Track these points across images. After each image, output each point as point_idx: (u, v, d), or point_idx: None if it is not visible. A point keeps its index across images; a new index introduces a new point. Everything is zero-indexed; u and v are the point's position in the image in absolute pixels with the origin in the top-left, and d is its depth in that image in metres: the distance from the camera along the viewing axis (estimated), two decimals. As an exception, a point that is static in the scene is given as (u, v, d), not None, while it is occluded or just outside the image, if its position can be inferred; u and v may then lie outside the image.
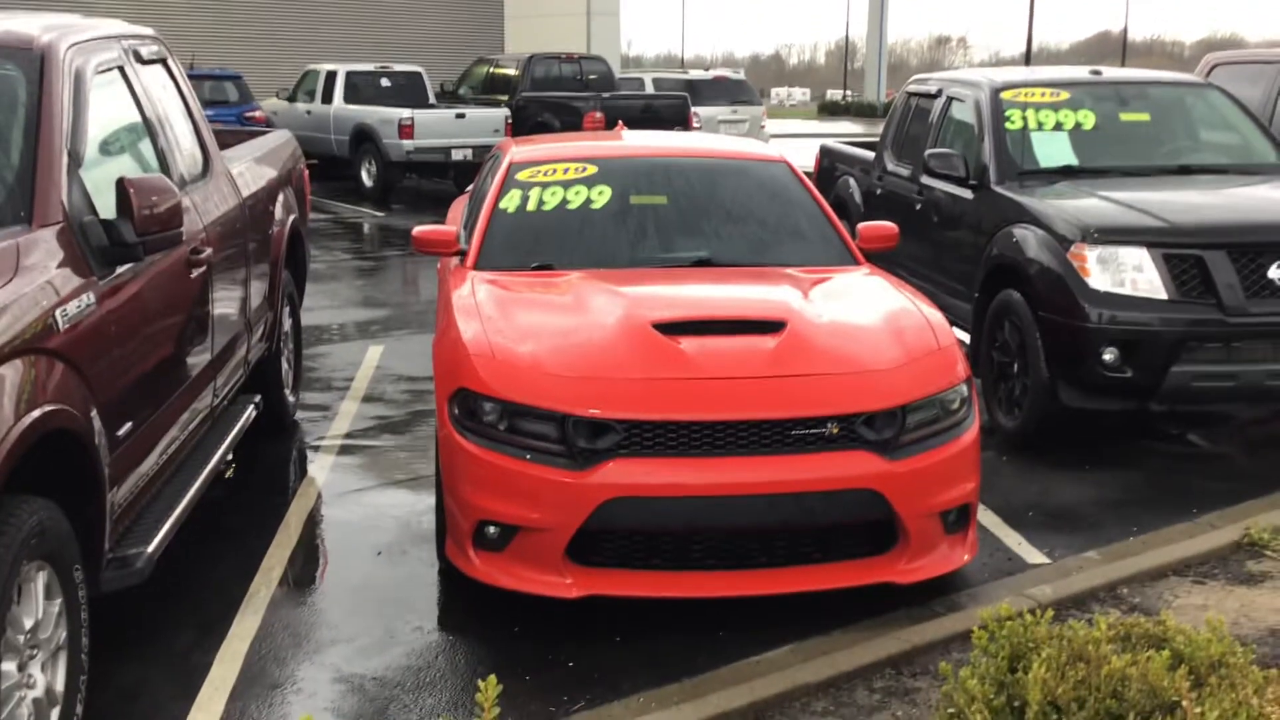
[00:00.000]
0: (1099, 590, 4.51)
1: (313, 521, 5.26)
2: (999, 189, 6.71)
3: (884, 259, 5.98)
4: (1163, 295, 5.65)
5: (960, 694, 2.87)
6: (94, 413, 3.37)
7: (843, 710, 3.68)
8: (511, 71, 20.01)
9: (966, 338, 6.60)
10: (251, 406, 5.48)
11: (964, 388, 4.43)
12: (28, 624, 3.03)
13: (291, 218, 6.49)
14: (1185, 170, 6.92)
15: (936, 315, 4.77)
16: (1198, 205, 6.16)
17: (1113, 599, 4.48)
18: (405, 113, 17.37)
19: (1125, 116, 7.21)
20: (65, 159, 3.69)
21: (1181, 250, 5.69)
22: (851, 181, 9.16)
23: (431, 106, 18.93)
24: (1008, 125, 6.99)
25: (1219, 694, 2.68)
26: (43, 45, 3.93)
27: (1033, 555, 4.88)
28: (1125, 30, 64.62)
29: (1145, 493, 5.66)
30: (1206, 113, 7.48)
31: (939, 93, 7.97)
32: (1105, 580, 4.57)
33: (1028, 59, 41.00)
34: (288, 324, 6.52)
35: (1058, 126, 7.00)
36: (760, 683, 3.75)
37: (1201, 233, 5.75)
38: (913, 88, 8.68)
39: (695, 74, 25.71)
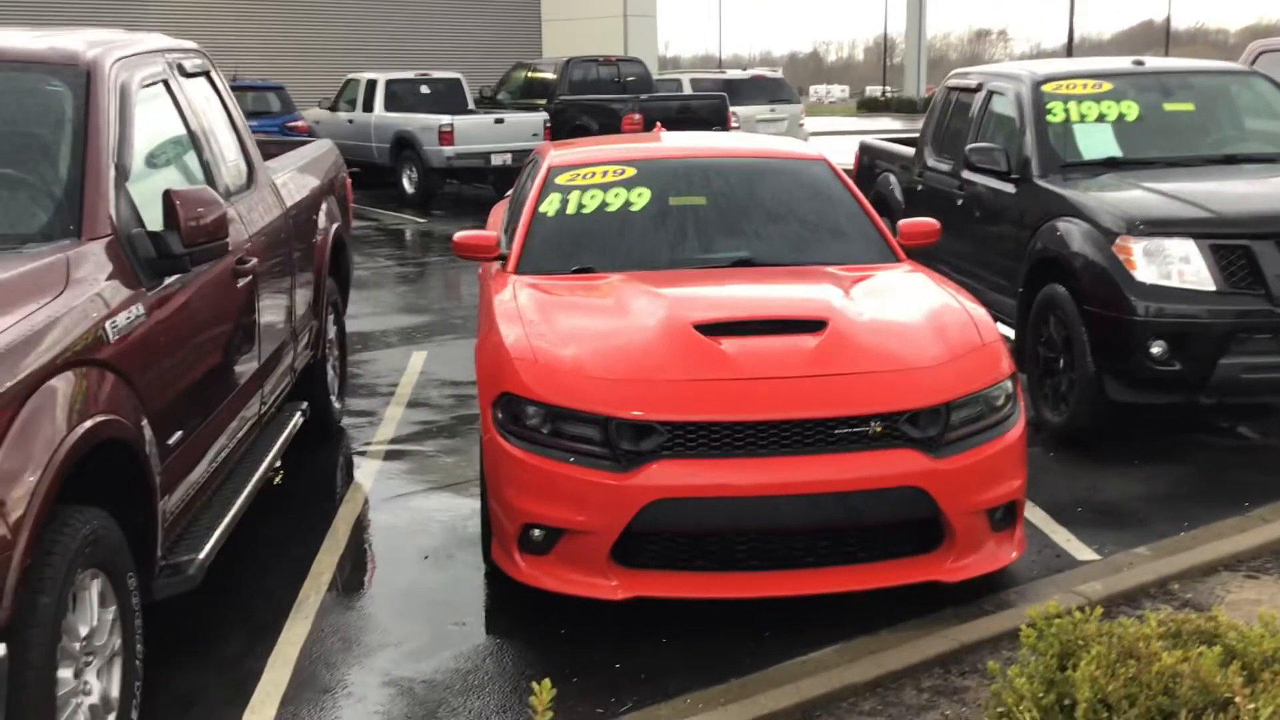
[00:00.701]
0: (1149, 586, 4.47)
1: (360, 527, 5.30)
2: (1042, 182, 6.66)
3: (926, 255, 5.95)
4: (1210, 286, 5.58)
5: (1009, 693, 2.85)
6: (144, 422, 3.42)
7: (891, 710, 3.66)
8: (549, 75, 20.07)
9: (1011, 333, 6.55)
10: (298, 413, 5.53)
11: (1009, 384, 4.39)
12: (83, 631, 3.08)
13: (335, 226, 6.55)
14: (1231, 160, 6.83)
15: (980, 311, 4.74)
16: (1245, 195, 6.08)
17: (1164, 595, 4.43)
18: (445, 119, 17.49)
19: (1169, 106, 7.12)
20: (112, 173, 3.75)
21: (1229, 241, 5.62)
22: (892, 178, 9.12)
23: (471, 112, 19.04)
24: (1049, 118, 6.93)
25: (1273, 690, 2.65)
26: (88, 61, 3.99)
27: (1082, 552, 4.84)
28: (1168, 19, 63.92)
29: (1195, 487, 5.60)
30: (1252, 101, 7.38)
31: (979, 87, 7.91)
32: (1156, 576, 4.52)
33: (1069, 50, 40.62)
34: (332, 331, 6.58)
35: (1100, 118, 6.93)
36: (807, 683, 3.74)
37: (1249, 222, 5.68)
38: (953, 82, 8.62)
39: (733, 73, 25.72)
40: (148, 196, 3.90)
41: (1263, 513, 5.15)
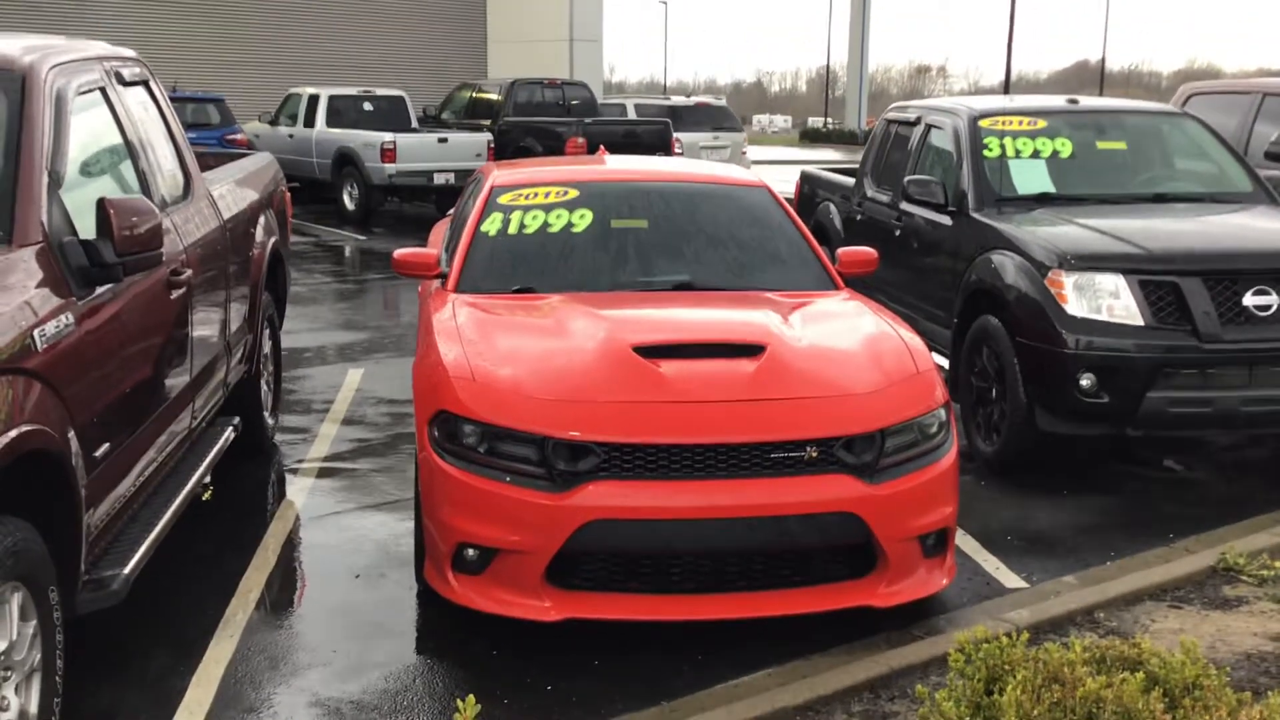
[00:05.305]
0: (1076, 614, 4.53)
1: (291, 544, 5.23)
2: (977, 215, 6.77)
3: (863, 284, 6.02)
4: (1139, 321, 5.70)
5: (936, 717, 2.88)
6: (71, 433, 3.36)
7: (821, 734, 3.68)
8: (494, 96, 20.07)
9: (945, 363, 6.63)
10: (230, 428, 5.45)
11: (942, 412, 4.45)
12: (1, 646, 3.01)
13: (272, 240, 6.49)
14: (1161, 198, 6.98)
15: (915, 340, 4.80)
16: (1174, 232, 6.22)
17: (1089, 623, 4.49)
18: (387, 136, 17.42)
19: (1102, 145, 7.28)
20: (45, 179, 3.69)
21: (1158, 277, 5.75)
22: (832, 207, 9.22)
23: (414, 130, 18.98)
24: (986, 153, 7.05)
25: (1193, 716, 2.70)
26: (24, 66, 3.93)
27: (1010, 579, 4.90)
28: (1103, 60, 65.23)
29: (1122, 518, 5.69)
30: (1182, 141, 7.56)
31: (918, 120, 8.04)
32: (1082, 605, 4.59)
33: (1006, 88, 41.33)
34: (267, 346, 6.50)
35: (1035, 154, 7.07)
36: (739, 706, 3.74)
37: (1177, 260, 5.81)
38: (892, 115, 8.75)
39: (677, 100, 25.81)
40: (81, 204, 3.84)
41: (1187, 544, 5.25)
